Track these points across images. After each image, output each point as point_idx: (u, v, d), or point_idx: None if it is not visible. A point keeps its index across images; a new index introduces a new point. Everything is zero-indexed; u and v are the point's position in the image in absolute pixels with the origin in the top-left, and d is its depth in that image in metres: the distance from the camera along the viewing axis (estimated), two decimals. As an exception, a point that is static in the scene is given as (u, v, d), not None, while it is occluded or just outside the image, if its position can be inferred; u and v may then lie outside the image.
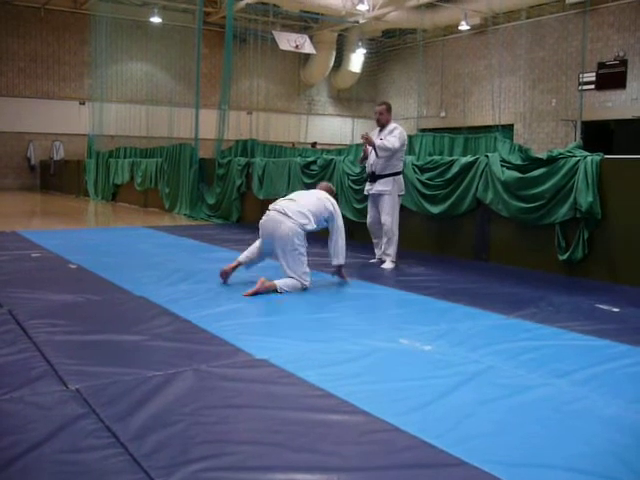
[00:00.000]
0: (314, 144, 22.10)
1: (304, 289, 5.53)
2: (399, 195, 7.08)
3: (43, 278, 5.97)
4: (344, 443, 2.61)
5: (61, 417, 2.75)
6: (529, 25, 21.36)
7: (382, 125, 7.04)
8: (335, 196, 6.35)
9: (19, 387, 3.09)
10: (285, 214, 5.60)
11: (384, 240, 7.02)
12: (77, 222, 12.46)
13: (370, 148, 6.94)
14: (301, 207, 5.70)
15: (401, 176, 7.08)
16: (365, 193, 7.30)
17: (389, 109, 7.14)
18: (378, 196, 7.02)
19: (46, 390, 3.08)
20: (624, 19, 19.47)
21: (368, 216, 7.29)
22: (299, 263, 5.55)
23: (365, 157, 7.13)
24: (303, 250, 5.60)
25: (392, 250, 6.95)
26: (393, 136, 6.83)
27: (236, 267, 5.86)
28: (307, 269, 5.61)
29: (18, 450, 2.45)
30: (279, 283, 5.43)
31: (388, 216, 6.94)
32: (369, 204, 7.26)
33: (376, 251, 7.27)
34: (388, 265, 6.90)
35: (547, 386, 3.29)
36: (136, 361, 3.55)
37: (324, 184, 6.45)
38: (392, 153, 6.85)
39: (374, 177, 7.02)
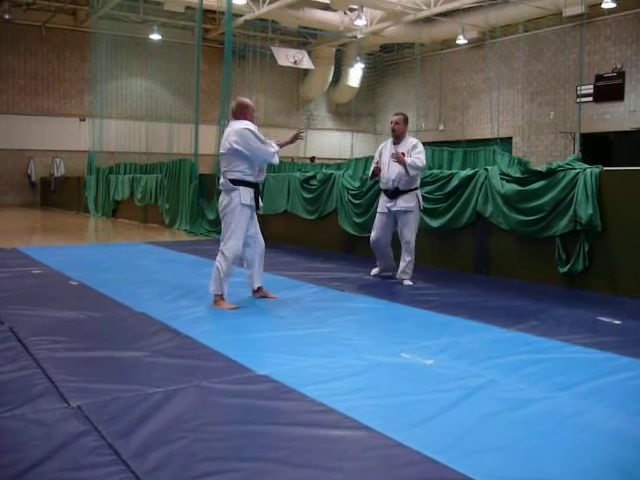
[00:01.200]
0: (312, 159, 22.15)
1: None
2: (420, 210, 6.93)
3: (44, 295, 5.97)
4: (347, 459, 2.61)
5: (62, 434, 2.75)
6: (526, 38, 21.49)
7: (397, 136, 6.77)
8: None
9: (21, 404, 3.09)
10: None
11: (406, 259, 6.69)
12: (77, 238, 12.47)
13: (388, 164, 6.70)
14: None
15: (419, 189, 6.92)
16: (381, 210, 6.89)
17: (406, 120, 6.87)
18: (402, 213, 6.70)
19: (47, 407, 3.07)
20: (621, 31, 19.57)
21: (376, 233, 6.94)
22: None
23: (375, 174, 6.88)
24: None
25: (411, 268, 6.75)
26: (419, 152, 6.64)
27: None
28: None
29: (20, 468, 2.44)
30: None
31: (412, 233, 6.70)
32: (382, 221, 6.89)
33: (378, 264, 7.14)
34: (409, 283, 6.68)
35: (549, 400, 3.29)
36: (137, 377, 3.55)
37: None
38: (421, 171, 6.79)
39: (396, 193, 6.70)
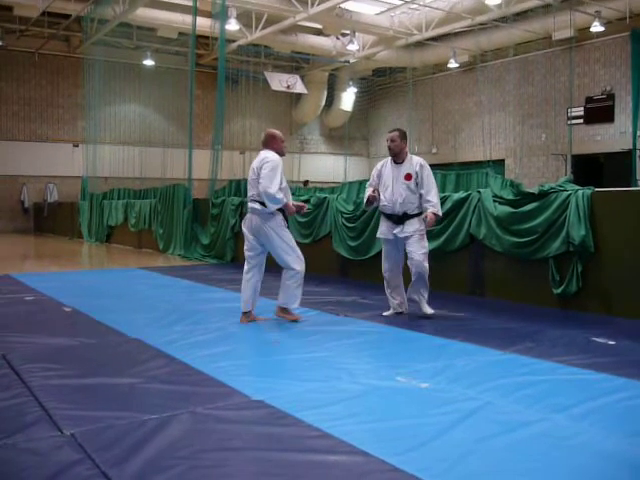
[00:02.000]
0: (306, 182, 22.23)
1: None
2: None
3: (37, 322, 5.95)
4: (343, 484, 2.59)
5: (56, 463, 2.73)
6: (517, 62, 21.70)
7: (395, 154, 6.16)
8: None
9: (13, 433, 3.06)
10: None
11: (420, 285, 6.12)
12: (71, 264, 12.44)
13: (392, 185, 6.13)
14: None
15: None
16: (387, 237, 6.25)
17: (403, 136, 6.20)
18: (409, 237, 6.09)
19: (40, 436, 3.05)
20: (610, 54, 19.80)
21: (387, 263, 6.32)
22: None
23: (371, 201, 6.26)
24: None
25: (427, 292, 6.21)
26: (428, 175, 6.09)
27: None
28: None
29: (13, 498, 2.42)
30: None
31: (422, 252, 6.08)
32: (390, 249, 6.30)
33: (392, 302, 6.35)
34: (430, 310, 6.17)
35: (545, 421, 3.28)
36: (131, 404, 3.53)
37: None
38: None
39: (404, 218, 6.11)
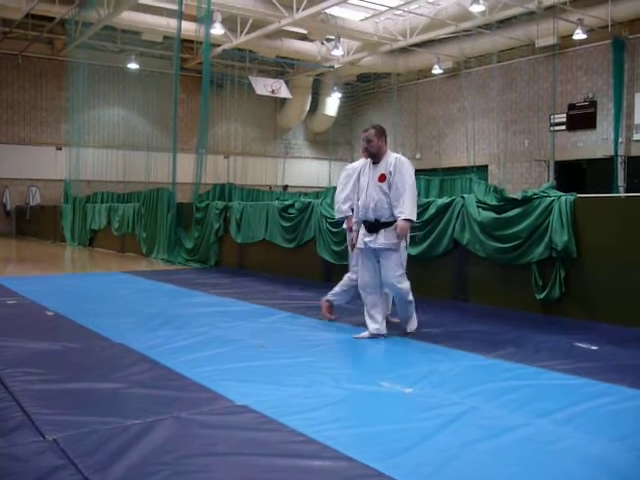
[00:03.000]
0: (285, 187, 22.33)
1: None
2: None
3: (19, 326, 5.89)
4: (327, 489, 2.59)
5: (38, 469, 2.70)
6: (500, 68, 21.85)
7: (373, 155, 5.46)
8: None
9: (-5, 439, 3.03)
10: None
11: (400, 307, 5.65)
12: (54, 268, 12.34)
13: (366, 189, 5.50)
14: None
15: None
16: (359, 245, 5.63)
17: (381, 133, 5.45)
18: (382, 251, 5.48)
19: (23, 441, 3.02)
20: (592, 62, 20.00)
21: (362, 277, 5.68)
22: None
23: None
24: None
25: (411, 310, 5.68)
26: (402, 174, 5.32)
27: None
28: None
29: (-6, 505, 2.39)
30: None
31: (400, 271, 5.51)
32: (364, 260, 5.62)
33: (370, 324, 5.59)
34: (411, 327, 5.69)
35: (529, 426, 3.30)
36: (115, 409, 3.50)
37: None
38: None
39: (377, 226, 5.46)
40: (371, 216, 5.44)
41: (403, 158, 5.44)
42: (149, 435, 3.10)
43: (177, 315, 6.44)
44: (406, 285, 5.47)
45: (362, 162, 5.75)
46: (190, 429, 3.21)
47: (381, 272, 5.49)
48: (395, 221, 5.32)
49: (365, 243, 5.50)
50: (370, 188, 5.44)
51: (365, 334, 5.50)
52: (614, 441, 3.10)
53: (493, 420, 3.39)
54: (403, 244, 5.51)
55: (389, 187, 5.35)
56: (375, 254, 5.50)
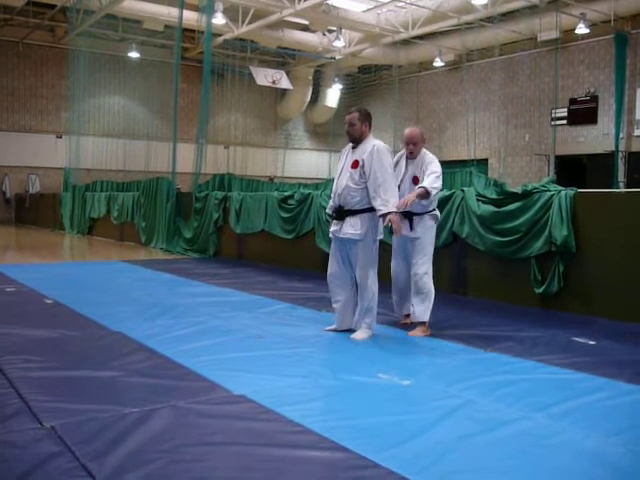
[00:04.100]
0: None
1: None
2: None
3: (18, 313, 5.89)
4: (324, 480, 2.59)
5: (35, 456, 2.70)
6: (502, 62, 21.80)
7: (355, 140, 5.16)
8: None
9: (-8, 425, 3.04)
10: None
11: (360, 303, 5.24)
12: (53, 256, 12.34)
13: (340, 173, 5.23)
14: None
15: None
16: (330, 235, 5.35)
17: (365, 116, 5.18)
18: (348, 242, 5.19)
19: (20, 428, 3.02)
20: (594, 56, 19.95)
21: (330, 266, 5.37)
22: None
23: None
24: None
25: (370, 316, 5.26)
26: (379, 164, 5.00)
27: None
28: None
29: (-9, 491, 2.40)
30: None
31: (365, 270, 5.16)
32: (334, 249, 5.35)
33: (336, 316, 5.43)
34: (361, 336, 5.18)
35: (526, 420, 3.30)
36: (113, 398, 3.51)
37: None
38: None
39: (342, 214, 5.19)
40: (337, 202, 5.20)
41: (381, 145, 5.10)
42: (146, 424, 3.11)
43: (175, 304, 6.44)
44: (369, 281, 5.13)
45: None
46: (187, 418, 3.22)
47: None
48: (365, 210, 5.06)
49: (332, 233, 5.27)
50: (342, 173, 5.19)
51: (331, 327, 5.43)
52: (610, 436, 3.10)
53: (490, 414, 3.39)
54: (371, 240, 5.14)
55: (360, 175, 5.05)
56: (342, 245, 5.24)
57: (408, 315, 5.68)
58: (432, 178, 5.24)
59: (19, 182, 23.43)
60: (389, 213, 4.90)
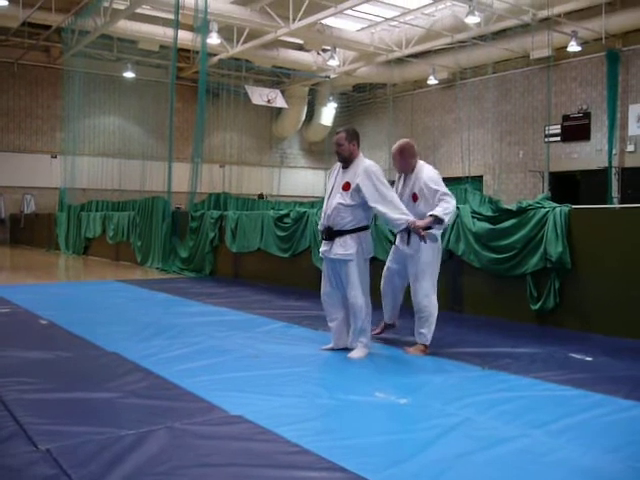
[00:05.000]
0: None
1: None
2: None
3: (12, 334, 5.87)
4: (322, 501, 2.57)
5: (31, 479, 2.68)
6: (495, 80, 21.94)
7: (344, 159, 5.16)
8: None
9: (-13, 449, 3.01)
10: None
11: (353, 323, 5.21)
12: (48, 276, 12.30)
13: (330, 193, 5.21)
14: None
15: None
16: (321, 255, 5.32)
17: (352, 136, 5.16)
18: (338, 262, 5.16)
19: (15, 451, 3.00)
20: (586, 73, 20.11)
21: (323, 286, 5.35)
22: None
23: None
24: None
25: (366, 336, 5.21)
26: (375, 185, 4.98)
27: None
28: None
29: (-14, 515, 2.38)
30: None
31: (357, 290, 5.11)
32: (326, 269, 5.31)
33: (333, 336, 5.41)
34: (357, 354, 5.13)
35: (524, 437, 3.29)
36: (108, 419, 3.49)
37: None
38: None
39: (331, 234, 5.15)
40: (325, 222, 5.17)
41: (374, 166, 5.09)
42: (143, 445, 3.09)
43: (172, 324, 6.42)
44: (360, 301, 5.09)
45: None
46: (184, 439, 3.20)
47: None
48: (354, 230, 5.07)
49: (322, 254, 5.25)
50: (333, 194, 5.17)
51: (328, 346, 5.39)
52: (608, 452, 3.09)
53: (487, 431, 3.38)
54: (362, 259, 5.12)
55: (351, 197, 5.04)
56: (333, 265, 5.22)
57: (386, 325, 5.80)
58: (443, 206, 5.11)
59: (14, 202, 23.42)
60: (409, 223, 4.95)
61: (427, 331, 5.30)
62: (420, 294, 5.32)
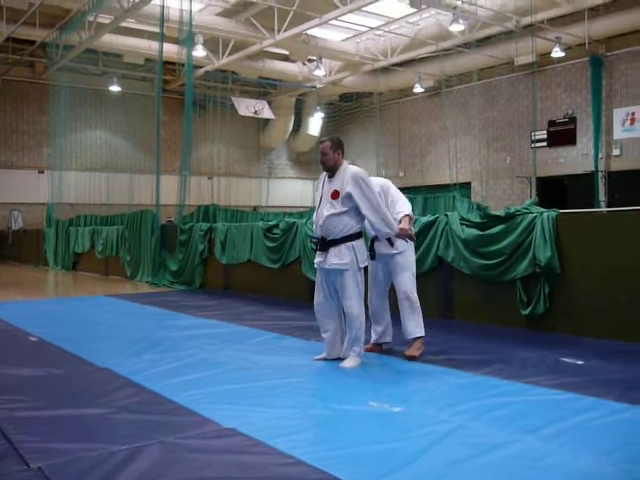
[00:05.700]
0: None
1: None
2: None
3: (2, 352, 5.83)
4: (317, 512, 2.56)
5: (23, 498, 2.66)
6: (481, 86, 22.06)
7: (329, 169, 5.20)
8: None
9: (-22, 468, 2.98)
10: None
11: (349, 332, 5.21)
12: (37, 292, 12.23)
13: (320, 202, 5.26)
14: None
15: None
16: (315, 265, 5.32)
17: (337, 145, 5.21)
18: (334, 272, 5.17)
19: (6, 470, 2.97)
20: (570, 79, 20.26)
21: (316, 296, 5.35)
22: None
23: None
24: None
25: (359, 345, 5.22)
26: (365, 192, 5.03)
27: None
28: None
29: (-22, 536, 2.35)
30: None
31: (352, 300, 5.12)
32: (320, 280, 5.31)
33: (325, 346, 5.41)
34: (350, 364, 5.14)
35: (517, 443, 3.30)
36: (100, 436, 3.46)
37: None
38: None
39: (325, 244, 5.19)
40: (319, 233, 5.19)
41: (361, 172, 5.10)
42: (136, 461, 3.07)
43: (162, 338, 6.39)
44: (355, 311, 5.10)
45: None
46: (177, 454, 3.18)
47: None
48: (347, 238, 5.08)
49: (317, 264, 5.24)
50: (323, 203, 5.18)
51: (321, 356, 5.39)
52: (601, 455, 3.10)
53: (481, 438, 3.38)
54: (356, 268, 5.13)
55: (342, 204, 5.06)
56: (328, 275, 5.22)
57: (377, 344, 5.72)
58: (403, 201, 5.55)
59: (1, 219, 23.29)
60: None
61: (418, 323, 5.46)
62: (409, 285, 5.48)
